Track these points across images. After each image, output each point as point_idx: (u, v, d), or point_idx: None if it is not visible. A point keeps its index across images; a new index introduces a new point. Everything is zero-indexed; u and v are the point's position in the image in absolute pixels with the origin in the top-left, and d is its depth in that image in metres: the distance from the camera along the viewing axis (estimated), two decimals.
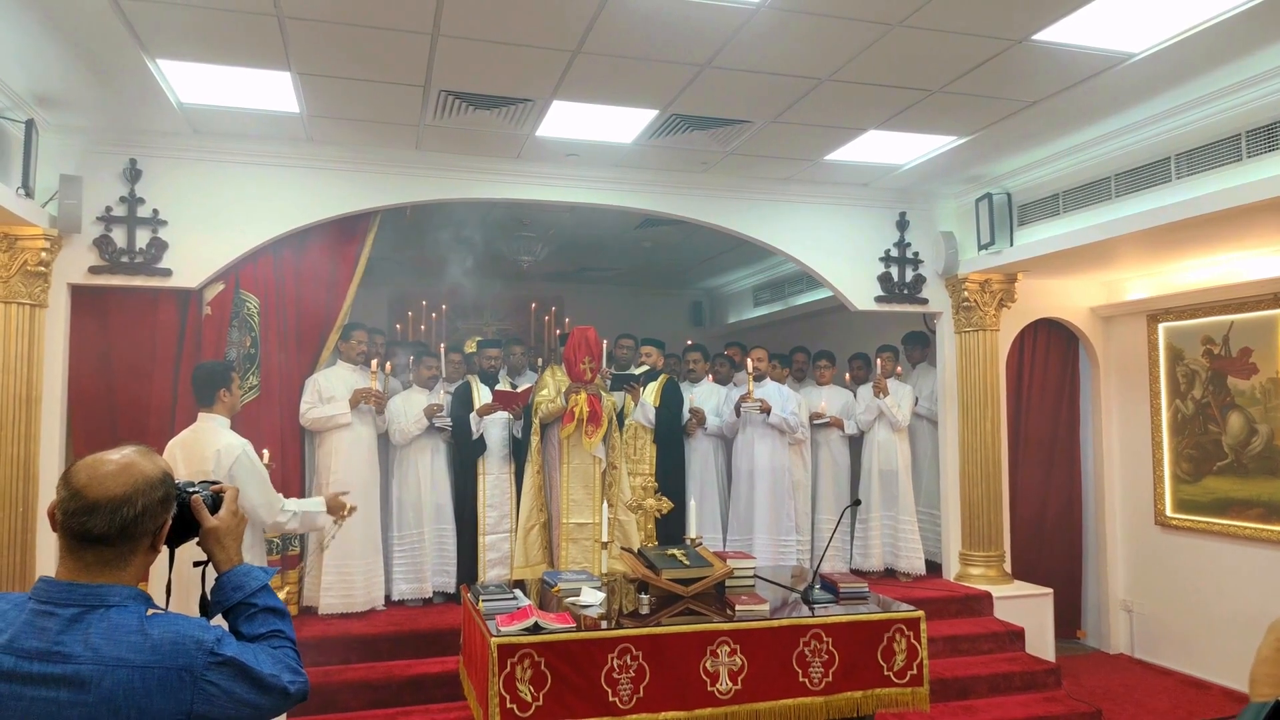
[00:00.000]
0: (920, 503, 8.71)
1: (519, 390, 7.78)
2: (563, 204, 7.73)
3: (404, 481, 7.71)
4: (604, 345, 7.76)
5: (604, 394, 7.65)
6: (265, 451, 5.56)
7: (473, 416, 7.68)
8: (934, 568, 8.61)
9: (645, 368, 8.34)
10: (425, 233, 9.47)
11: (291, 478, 7.27)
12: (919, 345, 9.06)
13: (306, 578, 7.31)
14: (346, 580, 7.13)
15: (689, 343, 9.25)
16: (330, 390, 7.30)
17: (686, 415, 8.11)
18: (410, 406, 7.72)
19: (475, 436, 7.65)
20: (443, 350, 8.03)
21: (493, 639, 4.55)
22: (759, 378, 8.17)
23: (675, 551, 5.60)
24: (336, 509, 5.19)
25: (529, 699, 4.49)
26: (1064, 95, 6.05)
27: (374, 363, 7.35)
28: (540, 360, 9.27)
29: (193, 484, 2.39)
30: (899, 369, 8.66)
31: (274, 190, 7.04)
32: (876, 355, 8.64)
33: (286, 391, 7.33)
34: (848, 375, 9.25)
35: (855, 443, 8.81)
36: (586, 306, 12.64)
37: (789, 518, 8.10)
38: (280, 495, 5.03)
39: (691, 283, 14.05)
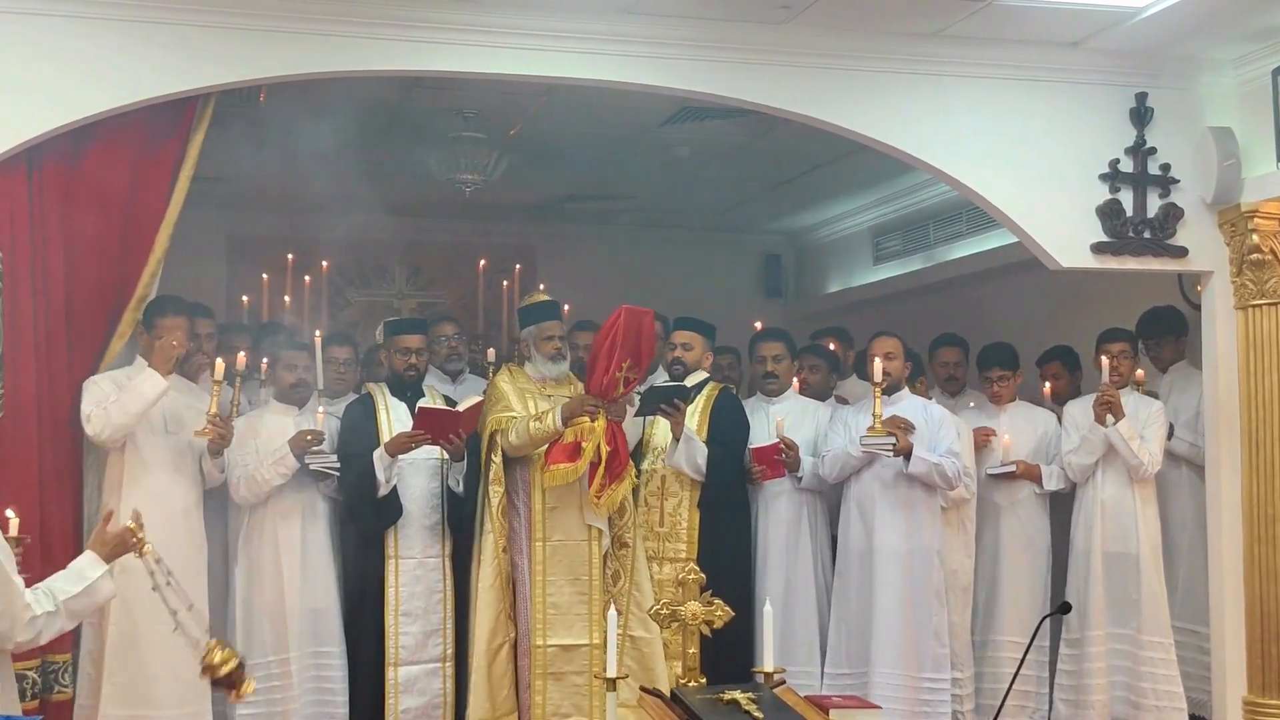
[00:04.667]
0: (1176, 613, 6.79)
1: (460, 409, 6.15)
2: (534, 81, 6.42)
3: (255, 572, 6.24)
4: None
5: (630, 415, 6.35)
6: (10, 514, 4.67)
7: (378, 456, 6.09)
8: None
9: (695, 373, 6.77)
10: (293, 135, 7.73)
11: (58, 566, 5.74)
12: (1171, 333, 7.12)
13: None
14: None
15: (758, 327, 7.45)
16: None
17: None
18: (265, 437, 6.19)
19: (383, 491, 6.10)
20: (317, 341, 6.34)
21: None
22: (890, 389, 6.38)
23: (737, 695, 4.73)
24: (123, 546, 4.21)
25: None
26: None
27: (218, 365, 5.69)
28: (493, 354, 7.59)
29: None
30: (1140, 373, 6.79)
31: (30, 61, 5.73)
32: (1098, 350, 6.75)
33: (49, 410, 5.75)
34: (1046, 387, 7.30)
35: (1059, 504, 6.92)
36: (577, 263, 10.31)
37: (938, 639, 6.45)
38: (26, 589, 4.03)
39: (762, 223, 11.85)
